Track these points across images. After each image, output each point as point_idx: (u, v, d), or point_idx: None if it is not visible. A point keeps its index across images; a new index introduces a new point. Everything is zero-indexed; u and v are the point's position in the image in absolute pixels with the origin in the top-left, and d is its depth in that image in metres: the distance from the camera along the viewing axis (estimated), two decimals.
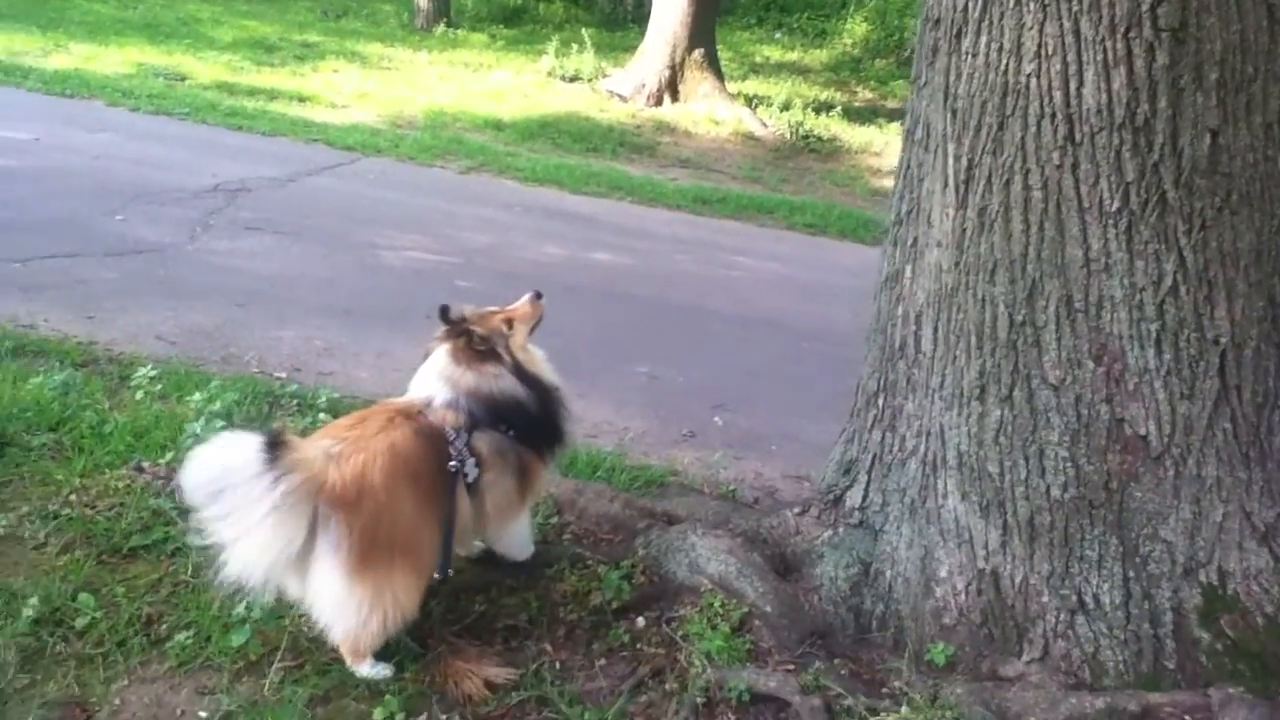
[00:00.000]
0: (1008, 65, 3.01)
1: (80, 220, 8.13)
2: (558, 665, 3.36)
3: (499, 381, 3.43)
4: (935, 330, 3.37)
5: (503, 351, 3.47)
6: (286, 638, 3.30)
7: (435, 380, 3.42)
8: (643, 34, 16.93)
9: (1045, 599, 3.17)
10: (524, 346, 3.57)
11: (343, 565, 2.98)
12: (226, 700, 3.05)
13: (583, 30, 17.82)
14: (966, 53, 3.14)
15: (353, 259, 8.28)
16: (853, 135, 15.77)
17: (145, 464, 4.19)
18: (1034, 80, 2.94)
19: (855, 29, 19.91)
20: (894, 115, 16.76)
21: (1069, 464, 3.08)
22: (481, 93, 16.03)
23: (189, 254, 7.86)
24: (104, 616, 3.31)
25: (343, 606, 3.03)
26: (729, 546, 3.70)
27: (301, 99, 14.37)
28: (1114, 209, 2.90)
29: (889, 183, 14.14)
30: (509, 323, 3.55)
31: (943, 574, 3.35)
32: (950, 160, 3.24)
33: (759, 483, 5.36)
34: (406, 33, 19.80)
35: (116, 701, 3.03)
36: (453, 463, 3.24)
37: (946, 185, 3.26)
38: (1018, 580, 3.20)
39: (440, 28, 19.99)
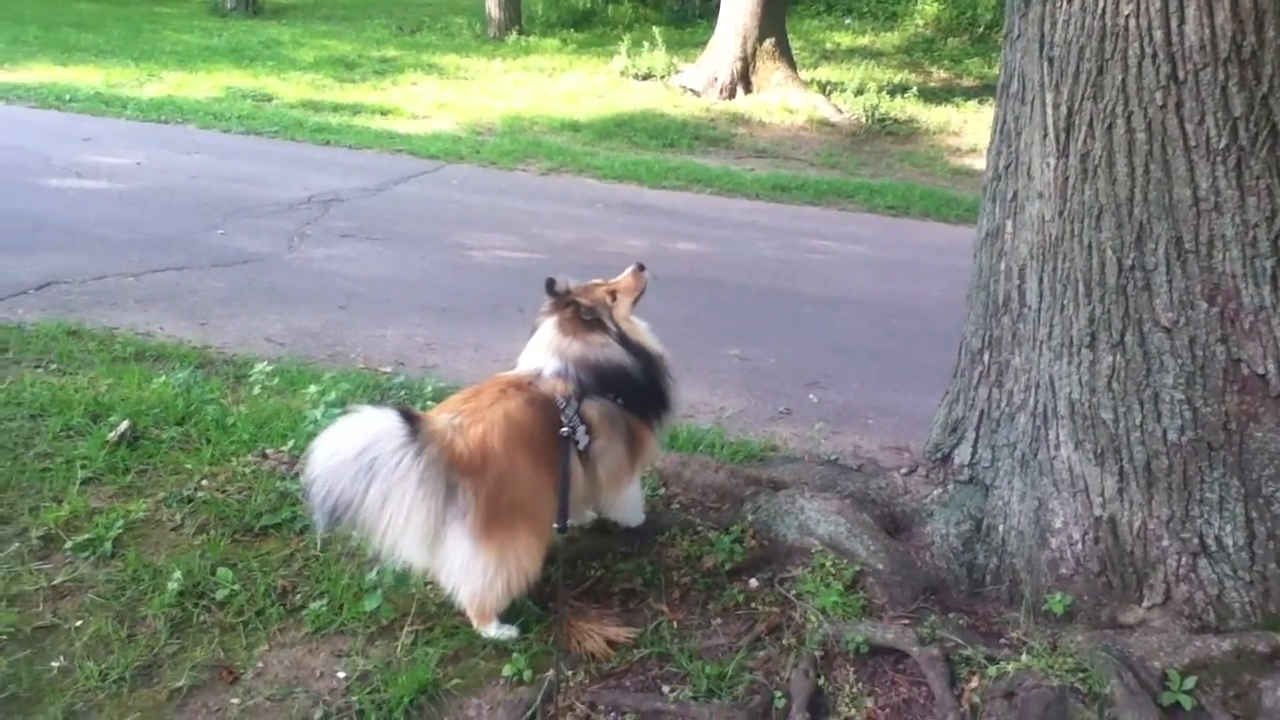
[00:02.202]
0: (1104, 8, 2.98)
1: (185, 236, 8.48)
2: (675, 625, 3.43)
3: (605, 350, 3.52)
4: (1040, 282, 3.35)
5: (608, 321, 3.56)
6: (415, 604, 3.44)
7: (543, 352, 3.52)
8: (712, 28, 16.97)
9: (1165, 543, 3.14)
10: (627, 317, 3.66)
11: (470, 529, 3.10)
12: (362, 662, 3.19)
13: (653, 28, 17.90)
14: (1061, 0, 3.13)
15: (444, 260, 8.50)
16: (929, 116, 15.60)
17: (269, 451, 4.39)
18: (1133, 21, 2.91)
19: (926, 9, 19.66)
20: (970, 94, 16.56)
21: (1185, 407, 3.04)
22: (556, 96, 16.24)
23: (288, 262, 8.14)
24: (242, 589, 3.49)
25: (470, 569, 3.14)
26: (838, 508, 3.74)
27: (384, 112, 14.74)
28: (1222, 146, 2.86)
29: (969, 161, 14.16)
30: (612, 294, 3.64)
31: (1058, 524, 3.34)
32: (1049, 110, 3.22)
33: (858, 455, 5.37)
34: (480, 42, 20.14)
35: (259, 665, 3.20)
36: (565, 429, 3.34)
37: (1046, 135, 3.24)
38: (1136, 526, 3.17)
39: (512, 35, 20.28)
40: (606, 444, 3.50)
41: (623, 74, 17.17)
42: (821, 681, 3.14)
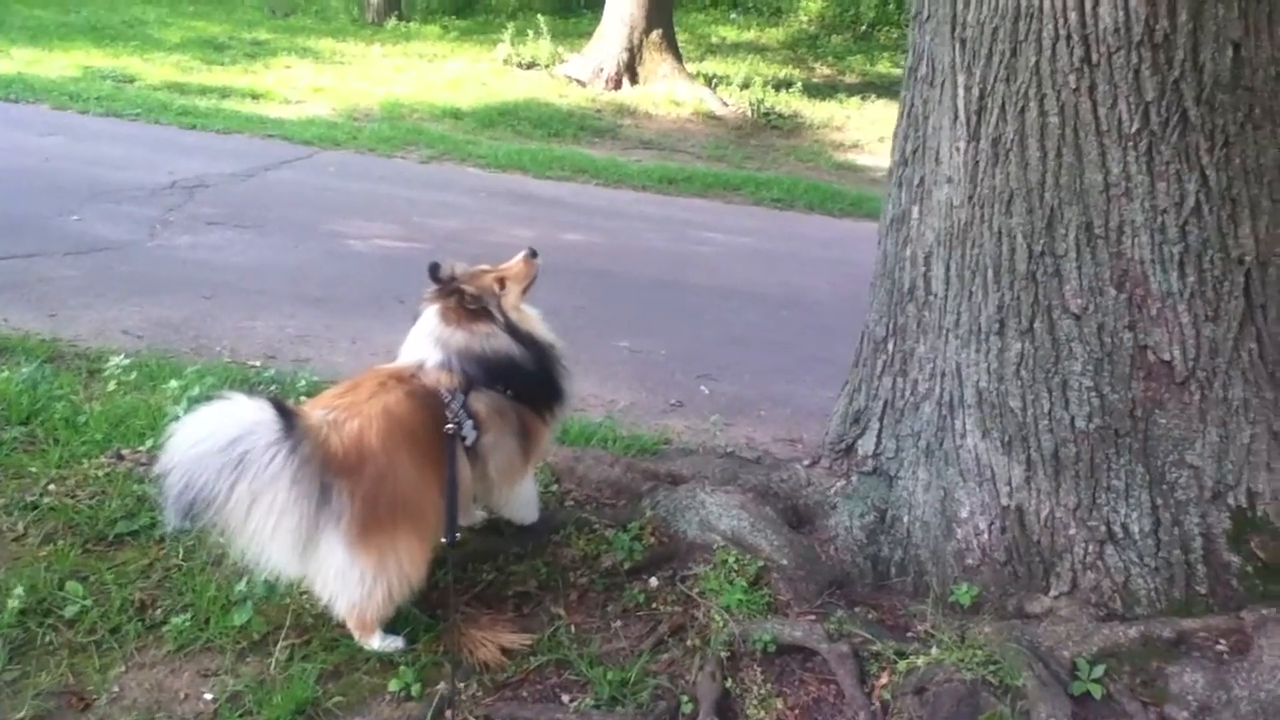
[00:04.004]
0: None
1: (35, 221, 7.86)
2: (573, 629, 3.25)
3: (491, 340, 3.30)
4: (948, 269, 3.29)
5: (495, 310, 3.35)
6: (290, 615, 3.17)
7: (426, 342, 3.29)
8: (597, 20, 16.79)
9: (1072, 531, 3.10)
10: (517, 305, 3.44)
11: (345, 534, 2.85)
12: (232, 681, 2.92)
13: (538, 17, 17.61)
14: None
15: (320, 249, 8.09)
16: (814, 111, 15.75)
17: (125, 451, 4.02)
18: (1048, 2, 2.85)
19: (810, 6, 19.91)
20: (854, 90, 16.80)
21: (1093, 394, 3.01)
22: (438, 83, 15.80)
23: (150, 250, 7.63)
24: (94, 604, 3.16)
25: (346, 577, 2.90)
26: (740, 502, 3.61)
27: (255, 96, 14.07)
28: (1133, 130, 2.82)
29: (853, 156, 14.32)
30: (501, 281, 3.42)
31: (964, 514, 3.28)
32: (960, 92, 3.15)
33: (752, 447, 5.27)
34: (357, 27, 19.49)
35: (115, 689, 2.88)
36: (449, 425, 3.11)
37: (956, 118, 3.17)
38: (1043, 515, 3.13)
39: (391, 21, 19.70)
40: (497, 439, 3.29)
41: (506, 62, 16.84)
42: (729, 684, 3.00)
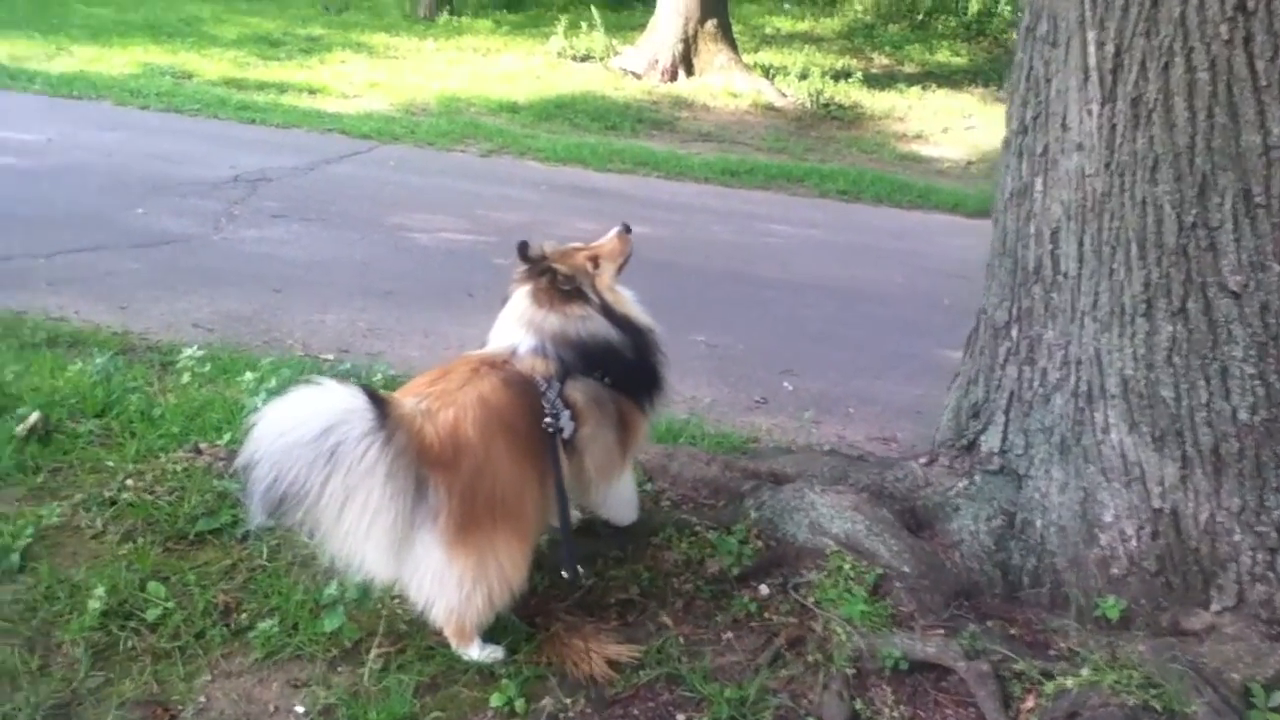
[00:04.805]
0: None
1: (102, 215, 7.82)
2: (682, 640, 3.02)
3: (587, 324, 3.08)
4: (1081, 245, 3.01)
5: (589, 291, 3.12)
6: (382, 622, 2.97)
7: (517, 326, 3.07)
8: (650, 12, 16.54)
9: (1237, 538, 2.81)
10: (611, 286, 3.22)
11: (443, 534, 2.65)
12: (323, 693, 2.72)
13: (591, 8, 17.40)
14: None
15: (385, 242, 7.96)
16: (874, 101, 15.39)
17: (203, 445, 3.87)
18: None
19: None
20: (913, 80, 16.41)
21: (1257, 382, 2.72)
22: (492, 76, 15.67)
23: (216, 243, 7.54)
24: (177, 607, 2.98)
25: (444, 580, 2.69)
26: (853, 503, 3.36)
27: (312, 91, 14.03)
28: None
29: (916, 146, 13.96)
30: (594, 260, 3.20)
31: (1108, 518, 3.00)
32: (1091, 49, 2.87)
33: (845, 446, 5.02)
34: (410, 23, 19.41)
35: (201, 699, 2.70)
36: (547, 418, 2.89)
37: (1087, 79, 2.90)
38: (1202, 519, 2.85)
39: (443, 16, 19.60)
40: (594, 431, 3.05)
41: (560, 55, 16.65)
42: (857, 704, 2.75)
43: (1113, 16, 2.80)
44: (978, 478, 3.36)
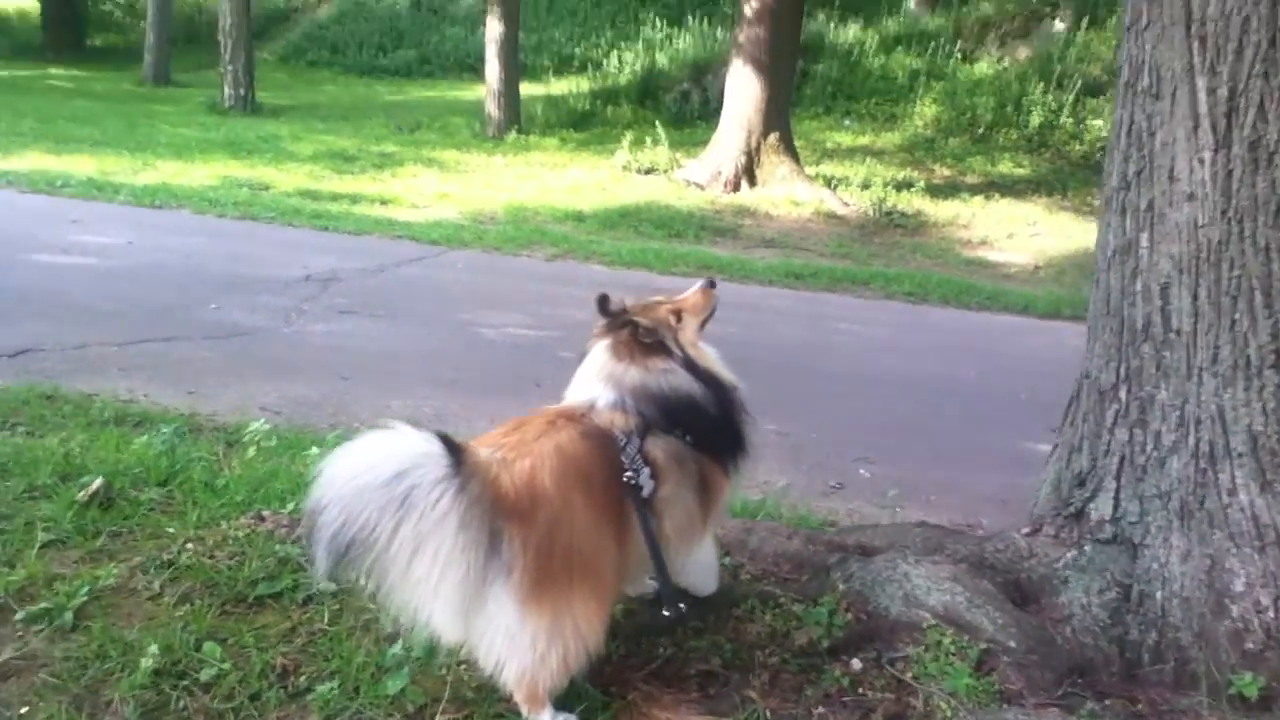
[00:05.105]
0: None
1: (175, 310, 7.96)
2: (769, 714, 2.77)
3: (669, 378, 2.94)
4: (1195, 298, 2.84)
5: (671, 344, 2.99)
6: (448, 687, 2.77)
7: (596, 380, 2.94)
8: (712, 130, 16.85)
9: None
10: (695, 342, 3.09)
11: (517, 589, 2.48)
12: None
13: (656, 123, 17.80)
14: None
15: (452, 336, 7.98)
16: (937, 210, 15.37)
17: (266, 513, 3.76)
18: None
19: (925, 111, 19.67)
20: (976, 190, 16.39)
21: None
22: (559, 188, 15.96)
23: (286, 336, 7.61)
24: (233, 668, 2.82)
25: (517, 639, 2.51)
26: (952, 574, 3.12)
27: (384, 201, 14.38)
28: None
29: (982, 252, 13.85)
30: (677, 314, 3.08)
31: (1238, 587, 2.74)
32: (1202, 97, 2.77)
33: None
34: (479, 140, 19.99)
35: None
36: (628, 473, 2.74)
37: (1197, 126, 2.78)
38: None
39: (512, 135, 20.17)
40: (675, 491, 2.88)
41: (625, 168, 16.95)
42: None
43: (1224, 61, 2.71)
44: (1088, 548, 3.12)
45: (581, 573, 2.58)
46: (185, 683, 2.75)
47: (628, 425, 2.83)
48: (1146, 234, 3.02)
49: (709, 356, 3.10)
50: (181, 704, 2.69)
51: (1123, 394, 3.10)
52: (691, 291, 3.17)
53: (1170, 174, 2.91)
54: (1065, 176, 16.89)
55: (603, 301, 3.01)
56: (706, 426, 2.96)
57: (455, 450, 2.47)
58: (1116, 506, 3.09)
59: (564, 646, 2.54)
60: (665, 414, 2.89)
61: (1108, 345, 3.17)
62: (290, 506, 3.78)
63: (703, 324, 3.16)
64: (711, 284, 3.20)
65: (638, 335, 2.95)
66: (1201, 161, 2.78)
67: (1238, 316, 2.72)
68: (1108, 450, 3.14)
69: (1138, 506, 3.04)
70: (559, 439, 2.70)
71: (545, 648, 2.52)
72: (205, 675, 2.78)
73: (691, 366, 2.99)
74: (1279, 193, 2.61)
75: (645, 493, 2.79)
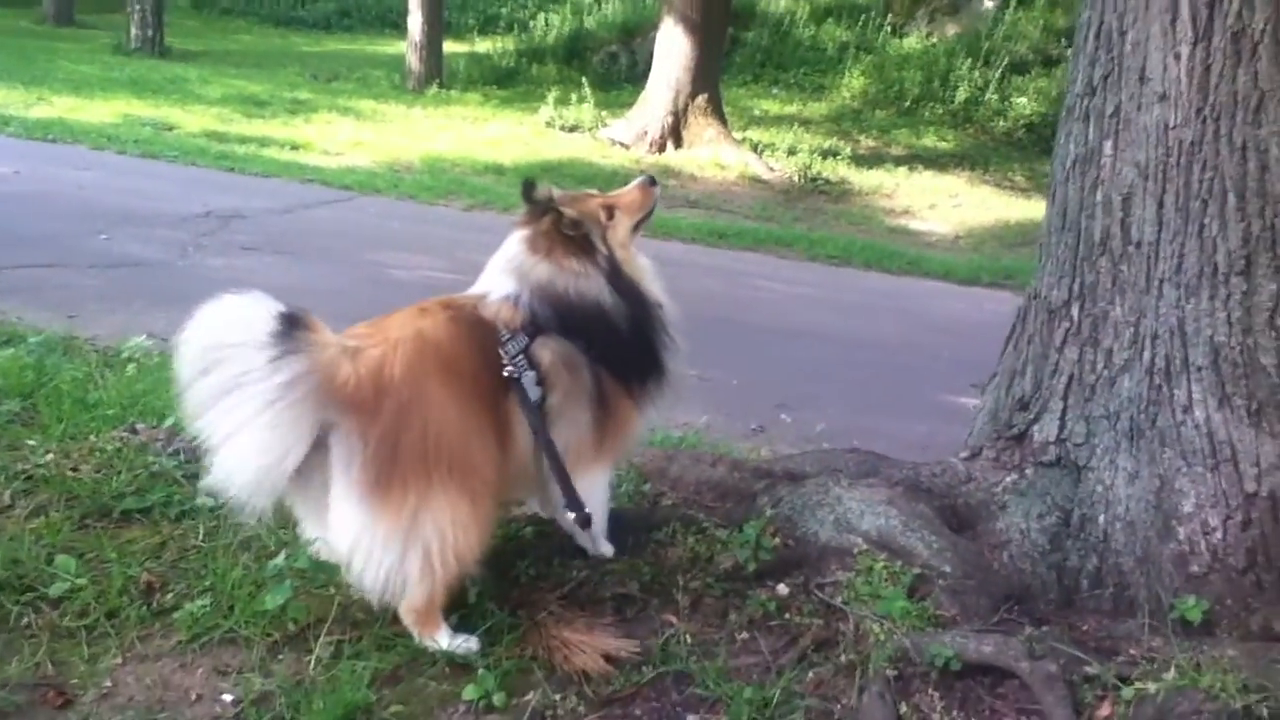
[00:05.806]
0: None
1: (61, 238, 7.45)
2: (690, 639, 2.55)
3: (580, 282, 2.66)
4: (1160, 205, 2.67)
5: (598, 243, 2.71)
6: (335, 607, 2.48)
7: (499, 272, 2.68)
8: (637, 93, 16.56)
9: None
10: (625, 244, 2.81)
11: (357, 485, 2.23)
12: (260, 680, 2.23)
13: (583, 80, 17.41)
14: None
15: (362, 276, 7.61)
16: (861, 178, 15.32)
17: (141, 426, 3.40)
18: None
19: (853, 82, 19.61)
20: (900, 161, 16.39)
21: None
22: (479, 142, 15.50)
23: (180, 269, 7.19)
24: (89, 584, 2.49)
25: (366, 540, 2.25)
26: (887, 497, 2.93)
27: (295, 146, 13.78)
28: None
29: (905, 221, 13.82)
30: (609, 210, 2.79)
31: (1187, 508, 2.58)
32: None
33: None
34: (399, 93, 19.35)
35: (106, 683, 2.21)
36: (508, 367, 2.47)
37: (1175, 20, 2.60)
38: None
39: (433, 89, 19.57)
40: (564, 403, 2.60)
41: (549, 124, 16.56)
42: (902, 709, 2.29)
43: None
44: (1029, 471, 2.95)
45: (445, 468, 2.31)
46: (29, 596, 2.41)
47: (514, 320, 2.56)
48: (1110, 141, 2.85)
49: (639, 265, 2.84)
50: (24, 621, 2.36)
51: (1074, 311, 2.93)
52: (629, 187, 2.90)
53: (1141, 75, 2.74)
54: (988, 152, 16.98)
55: (528, 187, 2.72)
56: (612, 341, 2.68)
57: (293, 323, 2.20)
58: (1062, 428, 2.92)
59: (426, 549, 2.28)
60: (562, 319, 2.62)
61: (1060, 261, 3.00)
62: (168, 421, 3.42)
63: (637, 225, 2.89)
64: (652, 181, 2.94)
65: (560, 226, 2.66)
66: (1177, 57, 2.61)
67: (1207, 221, 2.55)
68: (1055, 370, 2.97)
69: (1084, 428, 2.88)
70: (422, 324, 2.46)
71: (402, 550, 2.26)
72: (55, 590, 2.45)
73: (615, 272, 2.72)
74: (1261, 86, 2.45)
75: (532, 395, 2.51)
